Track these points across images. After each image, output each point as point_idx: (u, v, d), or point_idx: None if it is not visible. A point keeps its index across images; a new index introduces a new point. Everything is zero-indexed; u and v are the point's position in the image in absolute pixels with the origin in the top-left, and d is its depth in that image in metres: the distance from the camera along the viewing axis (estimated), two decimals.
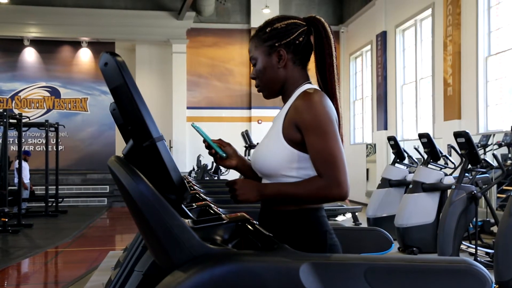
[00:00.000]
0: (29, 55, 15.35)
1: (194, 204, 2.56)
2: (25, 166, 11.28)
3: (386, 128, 12.29)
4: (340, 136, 1.76)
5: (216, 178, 10.68)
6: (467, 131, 5.60)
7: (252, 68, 1.85)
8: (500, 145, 7.09)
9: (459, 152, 5.88)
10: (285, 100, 1.83)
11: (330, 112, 1.66)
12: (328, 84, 1.78)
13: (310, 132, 1.65)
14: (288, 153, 1.69)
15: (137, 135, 1.50)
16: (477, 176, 5.80)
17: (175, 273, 1.34)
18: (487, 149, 7.26)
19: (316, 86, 1.79)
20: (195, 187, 4.69)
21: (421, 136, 6.90)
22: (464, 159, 5.72)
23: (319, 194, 1.65)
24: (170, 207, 1.39)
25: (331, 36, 1.78)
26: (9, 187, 9.94)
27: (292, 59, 1.79)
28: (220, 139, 1.89)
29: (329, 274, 1.37)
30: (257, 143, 7.09)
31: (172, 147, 14.30)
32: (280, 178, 1.71)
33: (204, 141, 1.81)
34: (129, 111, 1.45)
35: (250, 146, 10.02)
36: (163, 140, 1.50)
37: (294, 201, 1.68)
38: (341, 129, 1.77)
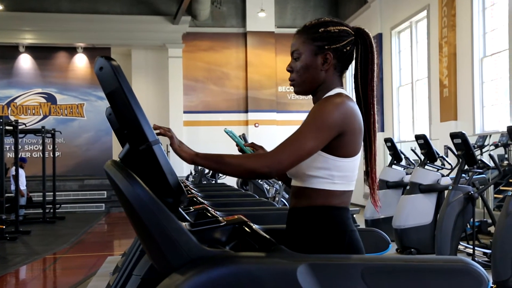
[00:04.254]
0: (25, 61, 15.33)
1: (191, 207, 2.56)
2: (21, 173, 11.25)
3: (383, 130, 12.31)
4: (373, 145, 1.80)
5: (213, 182, 10.68)
6: (463, 132, 5.61)
7: (291, 60, 1.83)
8: (496, 146, 7.10)
9: (456, 153, 5.89)
10: (315, 101, 1.83)
11: (337, 113, 1.65)
12: (368, 98, 1.82)
13: (305, 120, 1.68)
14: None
15: (133, 139, 1.50)
16: (474, 177, 5.81)
17: (173, 276, 1.34)
18: (483, 150, 7.27)
19: (344, 91, 1.78)
20: (193, 191, 4.69)
21: (417, 137, 6.91)
22: (460, 160, 5.73)
23: (247, 163, 1.62)
24: (167, 211, 1.39)
25: (375, 52, 1.82)
26: (6, 194, 9.92)
27: (335, 65, 1.79)
28: (252, 143, 1.91)
29: (326, 275, 1.37)
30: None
31: (169, 151, 14.28)
32: (306, 178, 1.71)
33: (237, 145, 1.82)
34: (125, 115, 1.45)
35: None
36: (159, 143, 1.50)
37: (221, 166, 1.64)
38: (375, 142, 1.82)
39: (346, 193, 1.74)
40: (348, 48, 1.79)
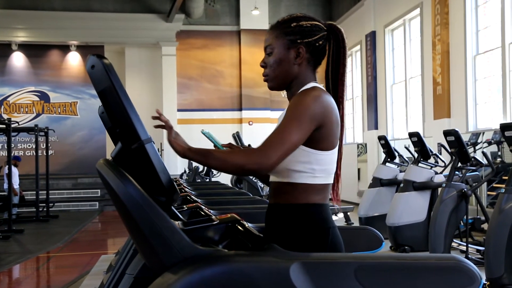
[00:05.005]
0: (18, 59, 15.24)
1: (184, 206, 2.56)
2: (15, 171, 11.20)
3: (376, 128, 12.33)
4: (341, 139, 1.80)
5: (207, 180, 10.67)
6: (456, 129, 5.63)
7: (264, 56, 1.85)
8: (489, 143, 7.14)
9: (449, 151, 5.90)
10: (290, 97, 1.84)
11: (316, 106, 1.66)
12: (339, 93, 1.83)
13: (285, 115, 1.68)
14: None
15: (125, 137, 1.49)
16: (467, 174, 5.83)
17: (165, 275, 1.34)
18: (476, 147, 7.31)
19: (320, 85, 1.80)
20: (186, 189, 4.68)
21: (411, 135, 6.92)
22: (454, 158, 5.75)
23: (234, 158, 1.60)
24: (160, 209, 1.39)
25: (347, 47, 1.85)
26: None
27: (308, 59, 1.81)
28: (230, 143, 1.90)
29: (319, 273, 1.37)
30: (249, 145, 7.12)
31: (163, 150, 14.26)
32: (288, 173, 1.70)
33: (215, 146, 1.82)
34: (117, 113, 1.45)
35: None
36: (151, 142, 1.50)
37: (210, 161, 1.62)
38: (342, 136, 1.81)
39: (326, 187, 1.75)
40: (320, 42, 1.81)
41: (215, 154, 1.63)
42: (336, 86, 1.83)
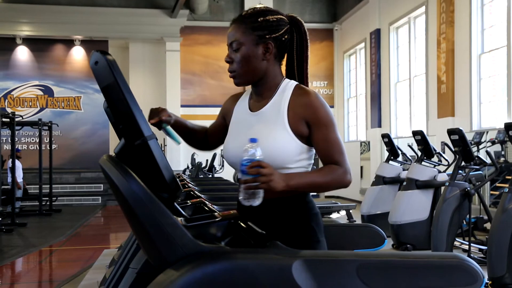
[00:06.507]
0: (22, 53, 15.26)
1: (188, 201, 2.56)
2: (18, 165, 11.24)
3: (380, 126, 12.31)
4: None
5: (210, 176, 10.68)
6: (460, 128, 5.62)
7: (229, 51, 1.82)
8: (493, 142, 7.11)
9: (453, 149, 5.89)
10: (258, 93, 1.85)
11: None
12: (305, 83, 1.86)
13: (324, 127, 1.73)
14: (297, 146, 1.73)
15: (128, 133, 1.49)
16: (470, 173, 5.81)
17: (168, 271, 1.34)
18: (480, 146, 7.28)
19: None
20: (190, 184, 4.69)
21: (415, 133, 6.91)
22: (457, 156, 5.74)
23: (339, 180, 1.72)
24: (163, 206, 1.39)
25: (309, 39, 1.88)
26: (3, 186, 9.89)
27: (275, 54, 1.81)
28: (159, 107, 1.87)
29: (321, 271, 1.37)
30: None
31: (166, 145, 14.27)
32: (282, 170, 1.70)
33: (173, 140, 1.89)
34: (120, 109, 1.45)
35: None
36: (155, 138, 1.50)
37: (314, 189, 1.73)
38: None
39: None
40: (286, 37, 1.81)
41: (317, 181, 1.71)
42: (302, 80, 1.86)
